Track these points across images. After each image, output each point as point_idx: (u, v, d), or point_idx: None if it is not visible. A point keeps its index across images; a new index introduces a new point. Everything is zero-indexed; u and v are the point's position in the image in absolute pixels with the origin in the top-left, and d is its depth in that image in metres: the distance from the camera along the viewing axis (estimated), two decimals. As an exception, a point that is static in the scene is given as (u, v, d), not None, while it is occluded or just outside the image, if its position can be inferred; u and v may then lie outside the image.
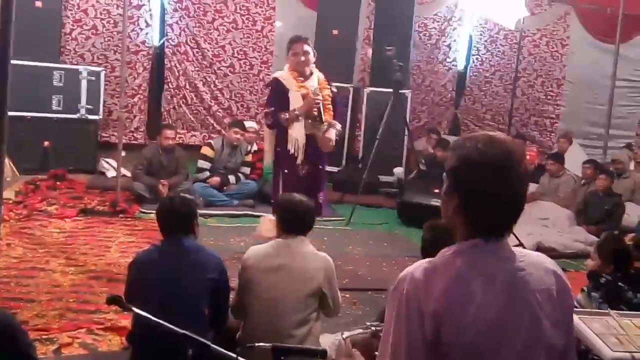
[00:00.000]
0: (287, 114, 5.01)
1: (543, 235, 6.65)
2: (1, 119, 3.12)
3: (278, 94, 5.09)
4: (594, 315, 3.15)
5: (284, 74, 5.12)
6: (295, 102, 5.03)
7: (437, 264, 1.57)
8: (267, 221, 5.21)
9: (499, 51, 10.69)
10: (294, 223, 3.47)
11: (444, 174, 1.62)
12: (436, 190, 7.32)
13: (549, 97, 10.81)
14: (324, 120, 5.04)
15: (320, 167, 5.29)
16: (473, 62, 10.74)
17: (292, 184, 5.02)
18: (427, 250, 3.09)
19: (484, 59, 10.71)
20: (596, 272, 3.84)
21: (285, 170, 5.13)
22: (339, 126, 5.18)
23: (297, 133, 5.07)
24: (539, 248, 6.22)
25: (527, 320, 1.54)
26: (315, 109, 5.04)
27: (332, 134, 5.10)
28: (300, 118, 5.03)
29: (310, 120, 5.09)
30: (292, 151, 5.07)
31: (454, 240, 1.63)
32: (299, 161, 5.09)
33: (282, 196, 4.00)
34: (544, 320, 1.55)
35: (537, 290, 1.56)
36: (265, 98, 5.20)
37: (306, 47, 5.08)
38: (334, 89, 5.30)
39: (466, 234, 1.59)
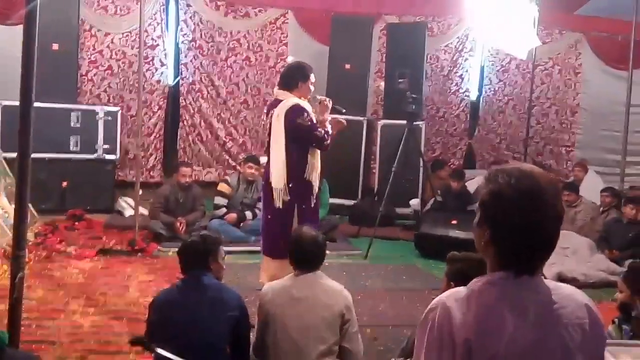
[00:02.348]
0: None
1: (564, 265, 6.56)
2: (24, 162, 3.15)
3: (311, 117, 4.90)
4: (624, 347, 3.09)
5: (299, 101, 4.92)
6: None
7: (469, 293, 1.57)
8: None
9: (512, 80, 10.68)
10: (309, 260, 3.49)
11: (477, 204, 1.62)
12: (453, 222, 7.28)
13: (563, 125, 10.75)
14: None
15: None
16: (486, 92, 10.73)
17: (307, 217, 4.87)
18: (452, 281, 3.05)
19: (496, 89, 10.70)
20: (627, 304, 3.78)
21: (303, 206, 4.93)
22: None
23: (317, 161, 4.95)
24: (561, 278, 6.11)
25: (558, 354, 1.52)
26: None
27: None
28: None
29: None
30: (310, 179, 4.90)
31: (482, 271, 1.63)
32: (315, 190, 4.97)
33: (294, 233, 3.78)
34: (576, 354, 1.53)
35: (570, 324, 1.55)
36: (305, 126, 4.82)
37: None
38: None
39: (497, 266, 1.59)
